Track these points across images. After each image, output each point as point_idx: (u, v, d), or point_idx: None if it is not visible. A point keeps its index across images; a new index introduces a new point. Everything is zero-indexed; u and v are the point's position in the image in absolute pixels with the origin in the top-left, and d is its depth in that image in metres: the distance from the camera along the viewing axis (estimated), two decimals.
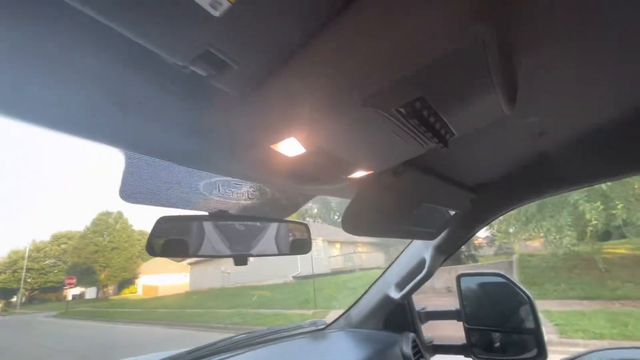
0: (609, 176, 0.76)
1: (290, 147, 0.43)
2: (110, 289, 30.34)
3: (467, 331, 1.17)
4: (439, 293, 9.76)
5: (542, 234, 9.08)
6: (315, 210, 34.02)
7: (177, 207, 0.56)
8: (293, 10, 0.27)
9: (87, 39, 0.29)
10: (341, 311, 1.43)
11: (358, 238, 21.99)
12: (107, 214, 33.34)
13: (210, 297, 15.52)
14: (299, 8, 0.27)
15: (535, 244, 12.51)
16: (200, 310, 12.48)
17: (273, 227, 0.67)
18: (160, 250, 0.56)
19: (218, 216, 0.59)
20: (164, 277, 27.96)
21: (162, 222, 0.55)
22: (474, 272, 1.24)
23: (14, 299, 29.62)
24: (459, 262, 13.31)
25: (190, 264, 22.81)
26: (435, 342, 1.27)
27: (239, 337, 1.16)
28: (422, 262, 1.15)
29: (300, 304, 10.81)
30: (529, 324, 1.10)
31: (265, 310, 10.85)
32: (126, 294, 28.49)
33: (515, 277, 9.29)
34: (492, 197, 0.93)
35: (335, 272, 16.28)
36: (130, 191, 0.52)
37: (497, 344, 1.16)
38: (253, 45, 0.29)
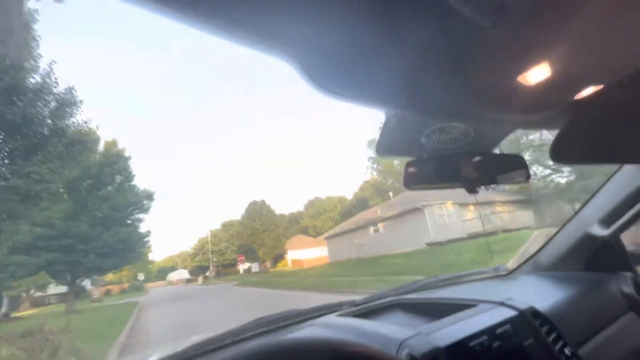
0: None
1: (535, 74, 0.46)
2: (268, 264, 36.78)
3: None
4: None
5: None
6: None
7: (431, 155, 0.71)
8: None
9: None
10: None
11: (494, 197, 19.57)
12: (254, 203, 40.11)
13: (349, 267, 16.85)
14: None
15: None
16: (343, 278, 13.76)
17: (492, 160, 0.75)
18: (413, 184, 0.75)
19: (447, 156, 0.72)
20: (305, 252, 31.88)
21: (415, 162, 0.72)
22: None
23: (208, 274, 39.64)
24: None
25: (326, 238, 25.23)
26: None
27: (425, 281, 1.29)
28: (638, 191, 0.99)
29: (439, 270, 10.56)
30: None
31: (405, 277, 11.11)
32: (280, 267, 33.97)
33: None
34: None
35: (472, 236, 15.08)
36: (385, 147, 0.70)
37: None
38: None
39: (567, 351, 0.71)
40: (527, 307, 0.78)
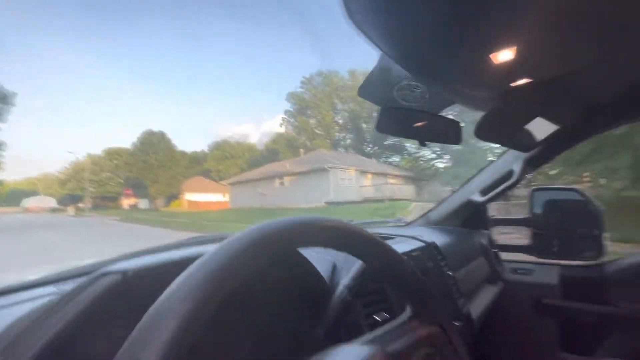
0: None
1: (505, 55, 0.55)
2: (160, 202, 33.99)
3: (533, 235, 1.38)
4: None
5: (588, 178, 8.65)
6: (349, 141, 34.02)
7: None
8: None
9: None
10: None
11: (389, 170, 22.20)
12: (151, 133, 35.48)
13: (249, 214, 17.06)
14: None
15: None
16: (242, 225, 13.89)
17: (438, 121, 0.87)
18: (383, 128, 0.81)
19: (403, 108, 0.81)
20: (204, 196, 30.68)
21: (386, 110, 0.79)
22: (548, 187, 1.40)
23: (81, 205, 34.16)
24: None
25: (230, 184, 24.65)
26: (500, 242, 1.52)
27: None
28: (509, 173, 1.32)
29: None
30: (593, 232, 1.28)
31: None
32: (174, 207, 31.88)
33: None
34: (600, 112, 1.01)
35: (365, 201, 17.05)
36: (366, 90, 0.74)
37: (559, 247, 1.36)
38: None
39: (450, 273, 0.95)
40: (431, 241, 0.99)
